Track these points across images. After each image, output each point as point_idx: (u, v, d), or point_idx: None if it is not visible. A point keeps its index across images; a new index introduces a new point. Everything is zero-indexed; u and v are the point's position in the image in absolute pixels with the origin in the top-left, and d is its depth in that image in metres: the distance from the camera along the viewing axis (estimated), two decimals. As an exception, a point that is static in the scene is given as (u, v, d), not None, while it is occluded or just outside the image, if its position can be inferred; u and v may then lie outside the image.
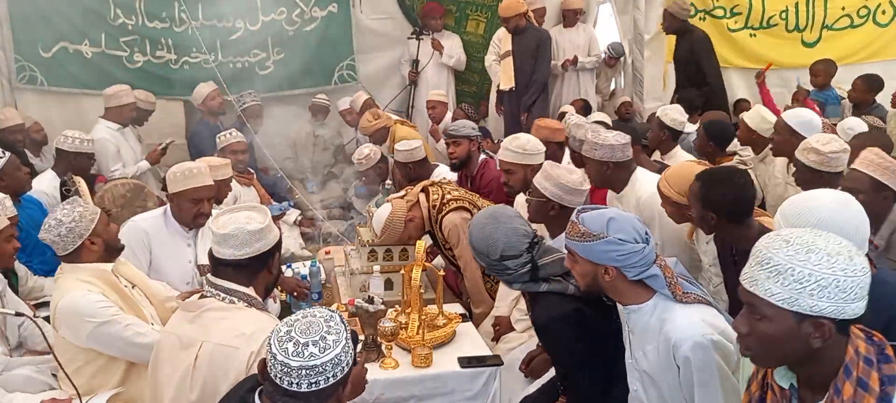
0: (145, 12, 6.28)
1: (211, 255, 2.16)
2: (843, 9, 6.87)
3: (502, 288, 3.51)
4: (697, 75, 6.16)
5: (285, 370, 1.53)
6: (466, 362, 2.85)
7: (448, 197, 3.59)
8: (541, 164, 3.39)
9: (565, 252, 2.52)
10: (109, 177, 5.10)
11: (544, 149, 3.62)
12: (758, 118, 4.29)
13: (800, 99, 5.84)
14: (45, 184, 4.20)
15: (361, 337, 2.82)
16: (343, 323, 1.64)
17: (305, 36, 6.76)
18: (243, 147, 4.88)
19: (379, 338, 2.80)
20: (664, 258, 2.07)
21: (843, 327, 1.41)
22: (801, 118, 3.82)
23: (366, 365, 2.77)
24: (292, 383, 1.54)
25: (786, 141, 3.75)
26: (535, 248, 2.46)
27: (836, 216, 1.92)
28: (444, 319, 3.04)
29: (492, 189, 4.08)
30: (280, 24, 6.64)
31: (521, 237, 2.44)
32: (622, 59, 7.12)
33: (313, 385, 1.54)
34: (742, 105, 6.46)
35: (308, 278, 3.73)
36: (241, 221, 2.11)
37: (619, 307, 2.18)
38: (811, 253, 1.38)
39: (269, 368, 1.58)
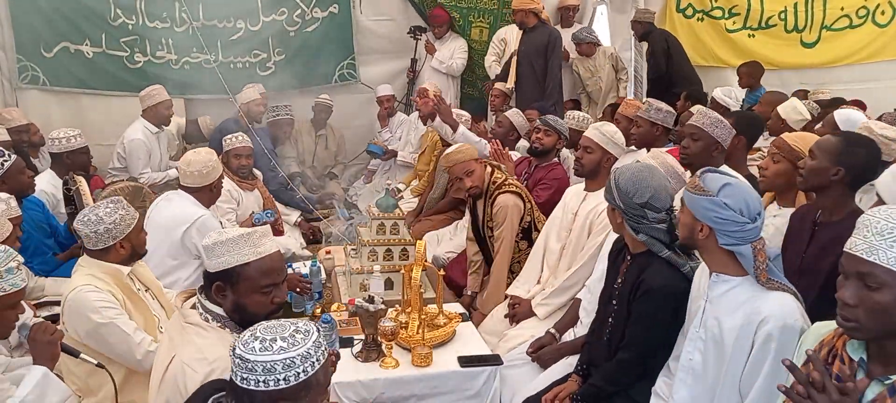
0: (146, 12, 6.30)
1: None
2: (842, 9, 6.88)
3: (526, 270, 3.57)
4: (666, 75, 6.36)
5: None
6: (466, 361, 2.87)
7: (509, 180, 3.80)
8: (616, 158, 3.43)
9: None
10: (137, 179, 5.12)
11: (624, 144, 3.64)
12: (790, 109, 4.36)
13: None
14: (44, 185, 4.21)
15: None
16: (317, 331, 1.58)
17: (306, 36, 6.78)
18: (248, 151, 4.86)
19: (379, 338, 2.82)
20: (768, 247, 2.08)
21: None
22: (846, 116, 3.92)
23: (365, 364, 2.81)
24: (249, 380, 1.48)
25: (826, 133, 3.84)
26: (673, 215, 2.48)
27: None
28: (444, 318, 3.06)
29: (552, 186, 4.13)
30: (281, 25, 6.67)
31: (668, 196, 2.47)
32: (601, 48, 6.81)
33: (281, 382, 1.47)
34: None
35: (308, 278, 3.74)
36: (213, 233, 2.06)
37: (700, 275, 2.22)
38: None
39: (232, 373, 1.51)
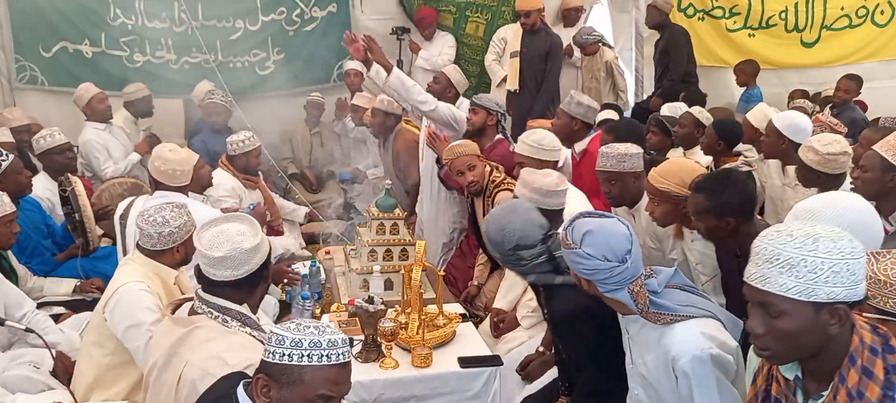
0: (145, 12, 6.29)
1: (200, 273, 2.09)
2: (842, 9, 6.88)
3: (505, 283, 3.54)
4: (679, 65, 6.25)
5: (280, 340, 1.58)
6: (466, 362, 2.86)
7: (507, 180, 3.82)
8: (556, 162, 3.40)
9: None
10: (103, 177, 5.08)
11: (560, 147, 3.62)
12: (761, 116, 4.35)
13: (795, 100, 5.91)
14: (39, 187, 4.18)
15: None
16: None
17: (305, 36, 6.78)
18: (258, 151, 4.84)
19: (379, 338, 2.81)
20: (655, 273, 2.03)
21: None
22: (789, 121, 3.81)
23: (365, 365, 2.80)
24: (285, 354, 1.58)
25: (773, 143, 3.81)
26: (551, 240, 2.46)
27: (861, 216, 2.04)
28: (444, 319, 3.05)
29: (500, 163, 4.12)
30: (280, 24, 6.67)
31: (537, 228, 2.45)
32: (602, 47, 6.65)
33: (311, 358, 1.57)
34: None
35: (308, 278, 3.73)
36: (235, 239, 2.03)
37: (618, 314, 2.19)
38: (817, 242, 1.41)
39: (277, 356, 1.59)
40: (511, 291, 3.49)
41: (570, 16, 6.89)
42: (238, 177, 4.68)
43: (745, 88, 6.61)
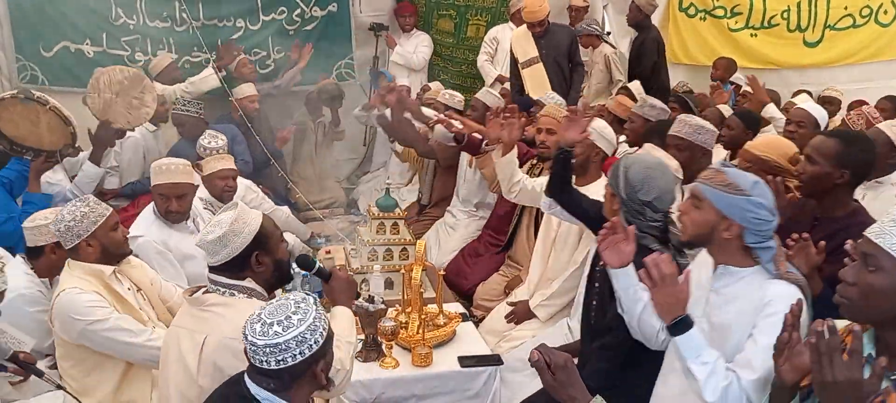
0: (146, 12, 6.29)
1: None
2: (846, 8, 6.84)
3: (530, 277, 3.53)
4: (644, 72, 6.20)
5: (253, 349, 1.66)
6: (466, 361, 2.85)
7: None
8: (606, 153, 3.37)
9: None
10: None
11: (613, 140, 3.61)
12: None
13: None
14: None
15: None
16: (316, 306, 1.74)
17: (305, 35, 6.79)
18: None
19: (379, 338, 2.80)
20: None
21: None
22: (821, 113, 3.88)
23: (365, 364, 2.79)
24: (261, 361, 1.67)
25: (807, 135, 3.79)
26: (669, 216, 2.49)
27: None
28: (445, 318, 3.05)
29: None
30: (280, 24, 6.69)
31: (672, 200, 2.49)
32: (600, 47, 6.55)
33: (281, 363, 1.66)
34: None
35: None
36: (209, 230, 2.07)
37: (698, 267, 2.16)
38: None
39: (246, 350, 1.71)
40: (530, 282, 3.50)
41: (573, 15, 6.86)
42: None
43: (720, 82, 6.56)
